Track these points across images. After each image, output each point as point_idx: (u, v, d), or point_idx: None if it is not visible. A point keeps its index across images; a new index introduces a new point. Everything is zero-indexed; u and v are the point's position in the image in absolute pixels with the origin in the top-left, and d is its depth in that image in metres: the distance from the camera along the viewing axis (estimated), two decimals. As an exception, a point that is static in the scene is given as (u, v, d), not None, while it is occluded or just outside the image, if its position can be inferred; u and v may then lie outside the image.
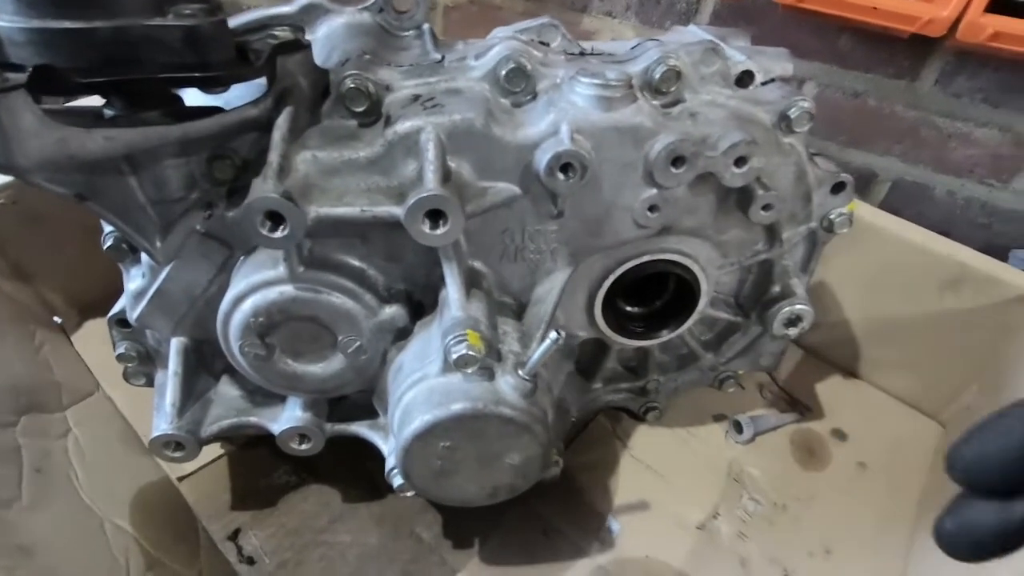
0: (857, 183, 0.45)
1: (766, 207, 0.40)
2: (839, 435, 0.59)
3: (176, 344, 0.43)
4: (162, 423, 0.42)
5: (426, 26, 0.43)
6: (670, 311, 0.48)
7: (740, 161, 0.37)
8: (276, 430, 0.43)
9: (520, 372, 0.35)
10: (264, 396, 0.45)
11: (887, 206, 0.70)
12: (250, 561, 0.47)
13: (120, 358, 0.45)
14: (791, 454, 0.58)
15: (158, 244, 0.36)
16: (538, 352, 0.34)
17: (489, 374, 0.35)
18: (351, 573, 0.46)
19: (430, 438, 0.35)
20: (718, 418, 0.60)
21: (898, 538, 0.51)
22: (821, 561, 0.49)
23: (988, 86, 0.73)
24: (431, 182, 0.33)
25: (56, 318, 0.63)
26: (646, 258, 0.43)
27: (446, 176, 0.34)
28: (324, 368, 0.40)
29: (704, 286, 0.45)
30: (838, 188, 0.44)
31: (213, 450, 0.54)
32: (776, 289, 0.48)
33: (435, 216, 0.33)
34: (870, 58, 0.77)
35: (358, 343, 0.39)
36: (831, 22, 0.74)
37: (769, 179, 0.40)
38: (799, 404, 0.62)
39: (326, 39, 0.41)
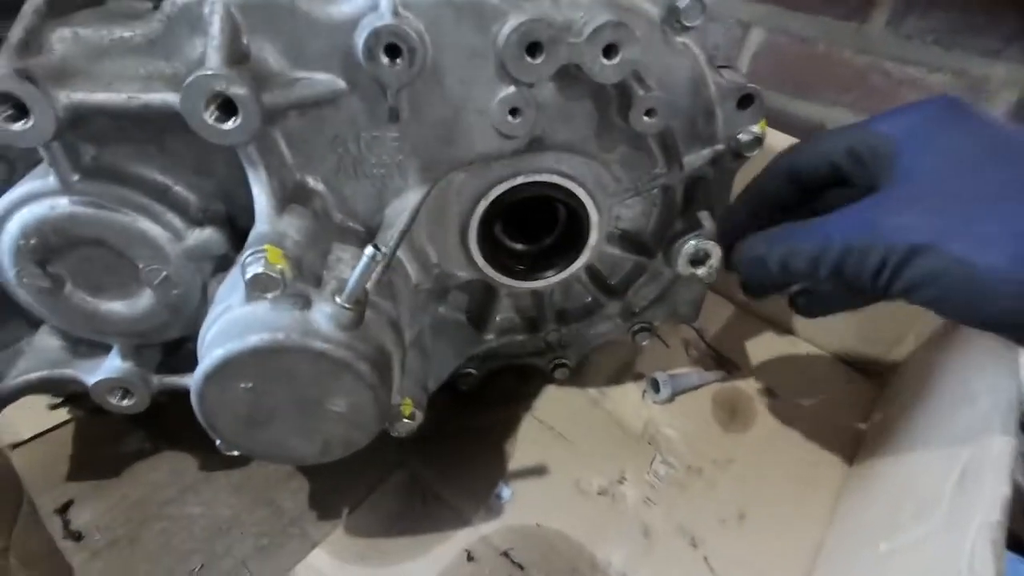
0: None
1: (649, 112, 0.34)
2: (768, 394, 0.54)
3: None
4: (-49, 374, 0.35)
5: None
6: (561, 249, 0.42)
7: (610, 50, 0.31)
8: (90, 382, 0.37)
9: (338, 299, 0.29)
10: (89, 347, 0.39)
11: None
12: (77, 537, 0.41)
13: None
14: (712, 414, 0.52)
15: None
16: (355, 274, 0.28)
17: (303, 302, 0.29)
18: (192, 550, 0.40)
19: (225, 379, 0.28)
20: (637, 378, 0.55)
21: (819, 505, 0.46)
22: (733, 528, 0.44)
23: (940, 26, 0.67)
24: (212, 60, 0.26)
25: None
26: (520, 179, 0.37)
27: (237, 57, 0.28)
28: (130, 306, 0.34)
29: (594, 216, 0.39)
30: (745, 102, 0.38)
31: (58, 415, 0.47)
32: (681, 223, 0.42)
33: (225, 107, 0.27)
34: (819, -2, 0.72)
35: (164, 273, 0.33)
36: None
37: (656, 82, 0.34)
38: (726, 362, 0.57)
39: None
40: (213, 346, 0.28)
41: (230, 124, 0.27)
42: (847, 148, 0.33)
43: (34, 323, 0.40)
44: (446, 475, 0.45)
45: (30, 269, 0.32)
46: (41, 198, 0.30)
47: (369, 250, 0.27)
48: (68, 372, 0.38)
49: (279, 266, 0.27)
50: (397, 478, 0.45)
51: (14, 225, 0.30)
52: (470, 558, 0.41)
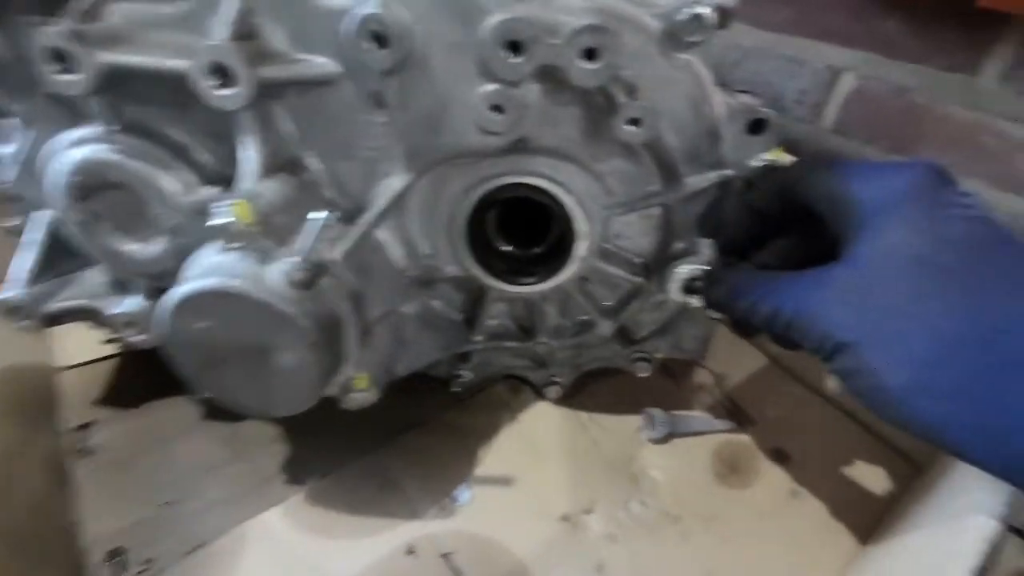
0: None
1: (634, 121, 0.33)
2: (778, 456, 0.49)
3: (46, 215, 0.43)
4: (12, 288, 0.42)
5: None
6: (550, 259, 0.42)
7: (591, 54, 0.31)
8: (107, 311, 0.42)
9: (289, 258, 0.31)
10: (123, 287, 0.44)
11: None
12: (87, 452, 0.46)
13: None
14: (710, 465, 0.48)
15: (18, 105, 0.36)
16: (305, 235, 0.30)
17: (265, 257, 0.31)
18: (170, 484, 0.44)
19: (184, 315, 0.31)
20: (637, 412, 0.52)
21: (811, 584, 0.40)
22: (697, 589, 0.40)
23: (1067, 84, 0.60)
24: (216, 34, 0.30)
25: None
26: (506, 180, 0.38)
27: (243, 34, 0.31)
28: (143, 249, 0.38)
29: (582, 226, 0.39)
30: (756, 127, 0.36)
31: (106, 350, 0.54)
32: (679, 246, 0.40)
33: (223, 76, 0.31)
34: (921, 45, 0.66)
35: (175, 221, 0.37)
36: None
37: (650, 96, 0.34)
38: (740, 413, 0.53)
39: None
40: (180, 282, 0.32)
41: (226, 91, 0.31)
42: (825, 191, 0.31)
43: (89, 263, 0.46)
44: (411, 467, 0.46)
45: (74, 203, 0.37)
46: (88, 143, 0.35)
47: (323, 214, 0.29)
48: (100, 304, 0.43)
49: (245, 220, 0.30)
50: (366, 460, 0.46)
51: (65, 160, 0.36)
52: (410, 552, 0.40)
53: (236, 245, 0.31)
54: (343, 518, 0.42)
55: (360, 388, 0.37)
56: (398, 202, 0.37)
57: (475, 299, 0.46)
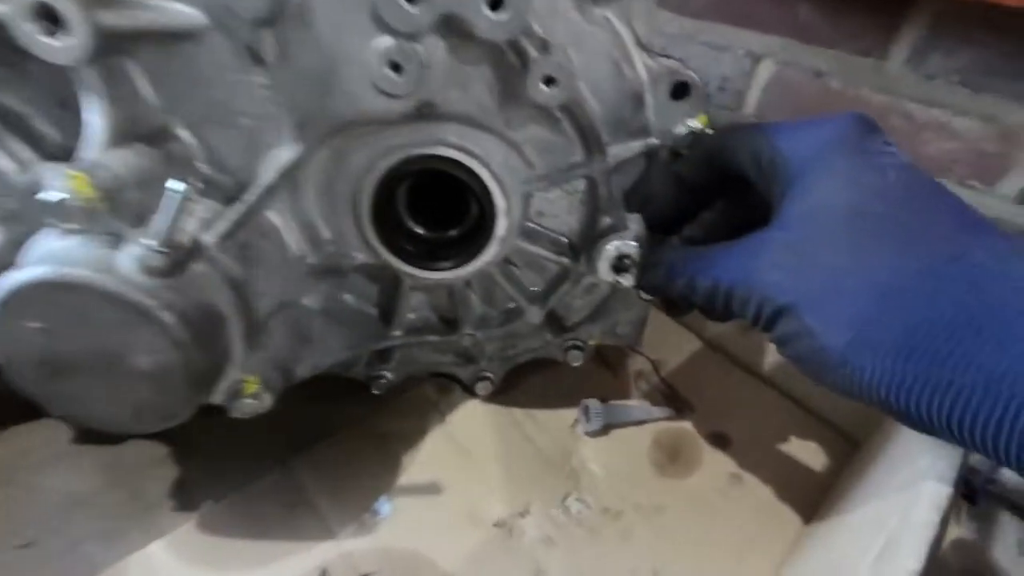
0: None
1: (549, 80, 0.30)
2: (719, 440, 0.47)
3: None
4: None
5: None
6: (468, 241, 0.38)
7: (496, 4, 0.28)
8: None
9: (143, 240, 0.26)
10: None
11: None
12: (-77, 491, 0.38)
13: None
14: (649, 454, 0.46)
15: None
16: (163, 211, 0.25)
17: (114, 241, 0.26)
18: (30, 521, 0.37)
19: (12, 314, 0.26)
20: (573, 405, 0.49)
21: (756, 571, 0.38)
22: (633, 587, 0.37)
23: (968, 66, 0.61)
24: (42, -32, 0.25)
25: None
26: (415, 151, 0.34)
27: (78, -28, 0.26)
28: (-18, 240, 0.32)
29: (501, 202, 0.35)
30: (680, 91, 0.34)
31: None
32: (606, 221, 0.38)
33: (53, 21, 0.25)
34: (834, 30, 0.67)
35: (9, 207, 0.31)
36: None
37: (566, 54, 0.31)
38: (679, 400, 0.51)
39: None
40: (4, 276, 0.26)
41: (57, 41, 0.25)
42: (752, 153, 0.29)
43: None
44: (326, 481, 0.41)
45: None
46: None
47: (179, 185, 0.24)
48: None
49: (84, 195, 0.25)
50: (273, 477, 0.41)
51: None
52: (323, 576, 0.36)
53: (76, 227, 0.25)
54: (244, 545, 0.37)
55: (250, 393, 0.32)
56: (289, 178, 0.33)
57: (390, 290, 0.42)
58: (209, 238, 0.29)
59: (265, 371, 0.33)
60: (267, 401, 0.33)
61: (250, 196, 0.31)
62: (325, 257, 0.37)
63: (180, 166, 0.31)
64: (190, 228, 0.28)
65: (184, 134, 0.31)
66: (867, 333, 0.22)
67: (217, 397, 0.31)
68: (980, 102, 0.61)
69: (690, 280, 0.30)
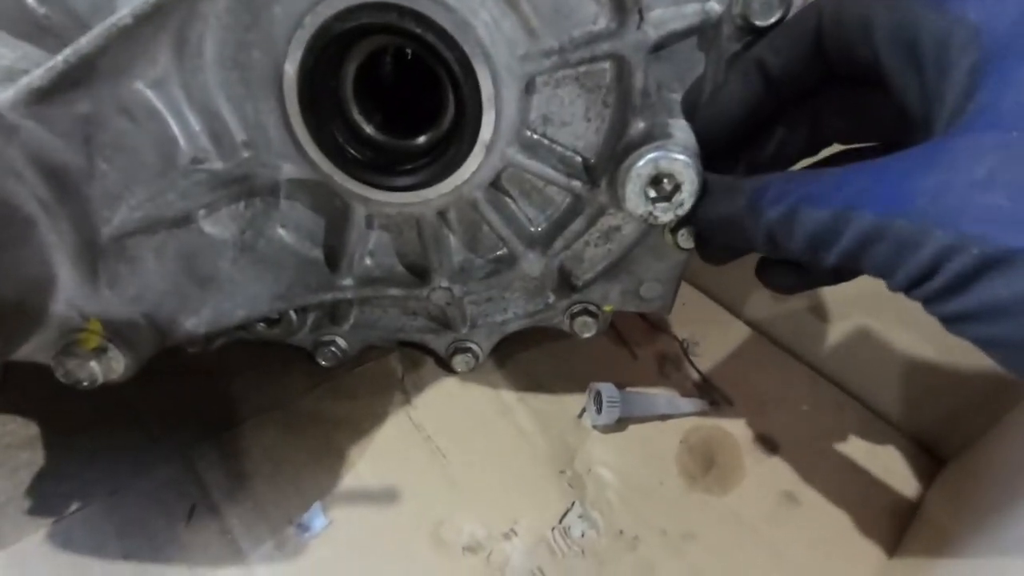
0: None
1: None
2: (767, 446, 0.37)
3: None
4: None
5: None
6: (443, 150, 0.27)
7: None
8: None
9: None
10: None
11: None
12: None
13: None
14: (676, 460, 0.35)
15: None
16: None
17: None
18: None
19: None
20: (580, 389, 0.38)
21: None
22: (667, 647, 0.27)
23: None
24: None
25: None
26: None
27: None
28: None
29: (487, 86, 0.24)
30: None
31: None
32: (639, 127, 0.26)
33: None
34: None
35: None
36: None
37: None
38: (714, 391, 0.40)
39: None
40: None
41: None
42: (894, 28, 0.19)
43: None
44: (239, 483, 0.30)
45: None
46: None
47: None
48: None
49: None
50: (163, 475, 0.30)
51: None
52: (215, 617, 0.25)
53: None
54: (110, 567, 0.26)
55: (90, 346, 0.21)
56: (161, 23, 0.21)
57: (338, 223, 0.31)
58: (6, 95, 0.18)
59: (120, 318, 0.22)
60: (120, 363, 0.21)
61: (84, 45, 0.19)
62: (236, 163, 0.26)
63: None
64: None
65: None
66: None
67: (31, 351, 0.20)
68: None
69: (791, 211, 0.19)
